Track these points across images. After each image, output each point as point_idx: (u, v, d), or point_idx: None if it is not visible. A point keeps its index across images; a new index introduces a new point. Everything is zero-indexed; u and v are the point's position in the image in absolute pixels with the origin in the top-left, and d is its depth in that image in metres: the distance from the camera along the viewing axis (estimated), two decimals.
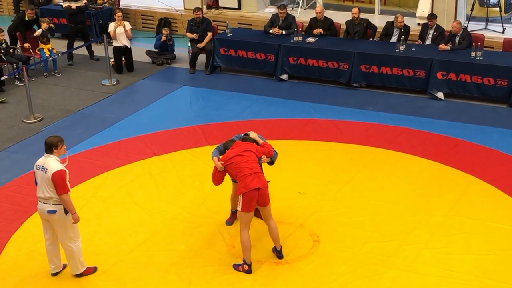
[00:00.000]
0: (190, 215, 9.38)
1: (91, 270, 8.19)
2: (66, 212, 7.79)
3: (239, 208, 7.98)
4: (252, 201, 7.92)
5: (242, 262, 8.12)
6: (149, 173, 10.49)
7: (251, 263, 8.07)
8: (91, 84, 14.31)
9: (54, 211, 7.77)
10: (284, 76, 14.06)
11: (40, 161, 7.85)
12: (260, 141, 8.51)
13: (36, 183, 7.94)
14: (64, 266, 8.22)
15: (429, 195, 9.66)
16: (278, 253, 8.35)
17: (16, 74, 14.24)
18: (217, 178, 8.32)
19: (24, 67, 13.01)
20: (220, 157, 8.31)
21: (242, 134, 8.67)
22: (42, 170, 7.76)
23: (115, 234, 9.05)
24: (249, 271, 8.05)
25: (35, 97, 13.27)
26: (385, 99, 13.02)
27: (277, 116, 12.41)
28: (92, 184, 10.25)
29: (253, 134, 8.55)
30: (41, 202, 7.85)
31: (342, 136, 11.49)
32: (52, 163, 7.72)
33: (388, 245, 8.59)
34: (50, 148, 7.80)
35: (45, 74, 14.76)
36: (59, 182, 7.65)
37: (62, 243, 7.95)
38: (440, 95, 12.84)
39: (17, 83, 14.27)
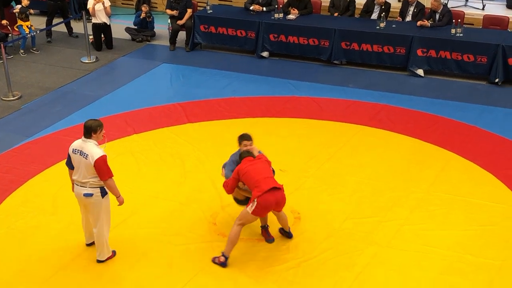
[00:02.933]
0: (171, 194, 9.37)
1: (112, 255, 8.09)
2: (103, 195, 7.67)
3: (249, 210, 7.72)
4: (266, 209, 7.77)
5: (220, 254, 7.99)
6: (129, 151, 10.45)
7: (228, 257, 7.97)
8: (70, 61, 14.20)
9: (91, 194, 7.64)
10: (265, 53, 14.03)
11: (77, 145, 7.64)
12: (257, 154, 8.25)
13: (67, 164, 7.79)
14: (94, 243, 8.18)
15: (409, 171, 9.72)
16: (287, 233, 8.36)
17: None
18: (231, 187, 8.02)
19: (2, 44, 12.86)
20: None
21: (241, 147, 8.26)
22: (80, 155, 7.56)
23: None
24: (224, 264, 7.90)
25: (13, 74, 13.15)
26: (365, 76, 13.04)
27: (258, 93, 12.39)
28: None
29: (254, 150, 8.24)
30: (77, 185, 7.70)
31: (323, 113, 11.50)
32: (92, 148, 7.53)
33: (368, 222, 8.65)
34: (89, 132, 7.60)
35: (21, 51, 14.62)
36: (102, 168, 7.51)
37: (94, 227, 7.84)
38: (420, 72, 12.88)
39: None
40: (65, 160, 7.89)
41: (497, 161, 9.85)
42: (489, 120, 11.08)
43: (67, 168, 7.85)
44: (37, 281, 7.84)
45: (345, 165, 9.94)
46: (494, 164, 9.76)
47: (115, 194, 7.74)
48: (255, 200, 7.64)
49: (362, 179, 9.57)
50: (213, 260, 8.02)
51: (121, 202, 7.81)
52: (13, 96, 12.50)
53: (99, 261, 7.99)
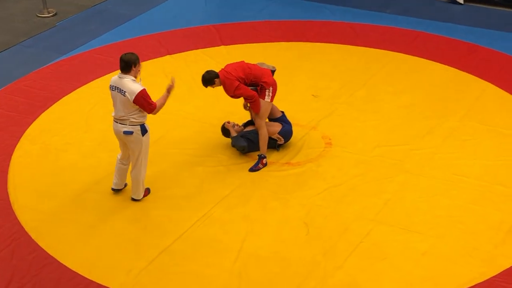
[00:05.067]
0: (203, 115, 9.41)
1: (147, 192, 8.04)
2: (143, 133, 7.54)
3: (268, 99, 8.31)
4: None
5: (261, 156, 8.36)
6: (162, 71, 10.47)
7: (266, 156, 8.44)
8: None
9: (131, 132, 7.50)
10: None
11: (115, 81, 7.44)
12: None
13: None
14: (125, 185, 8.09)
15: (443, 100, 9.62)
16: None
17: None
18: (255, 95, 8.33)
19: None
20: None
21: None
22: (118, 92, 7.38)
23: None
24: (266, 162, 8.40)
25: None
26: (403, 2, 12.77)
27: (293, 17, 12.24)
28: (106, 81, 10.19)
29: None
30: (117, 122, 7.54)
31: (358, 39, 11.35)
32: (129, 84, 7.30)
33: (400, 149, 8.63)
34: (128, 66, 7.35)
35: None
36: (144, 103, 7.34)
37: (132, 165, 7.74)
38: None
39: None
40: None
41: None
42: None
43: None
44: (71, 195, 8.03)
45: (378, 92, 9.86)
46: None
47: (166, 100, 7.67)
48: (270, 87, 8.27)
49: (396, 107, 9.51)
50: (255, 168, 8.30)
51: (172, 87, 7.71)
52: (48, 13, 12.50)
53: (133, 200, 7.92)
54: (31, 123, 9.30)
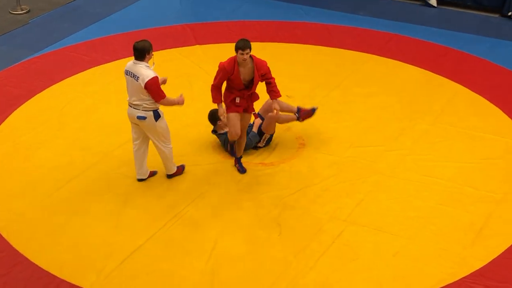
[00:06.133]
0: (178, 115, 9.38)
1: (180, 169, 8.21)
2: (156, 118, 7.66)
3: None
4: None
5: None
6: None
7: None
8: None
9: (144, 117, 7.63)
10: None
11: (130, 67, 7.59)
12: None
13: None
14: (152, 174, 8.19)
15: (416, 102, 9.70)
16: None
17: None
18: None
19: None
20: None
21: None
22: (132, 77, 7.54)
23: (102, 130, 9.09)
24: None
25: None
26: (377, 4, 12.85)
27: (268, 17, 12.26)
28: (79, 79, 10.20)
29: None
30: (131, 107, 7.68)
31: (332, 41, 11.40)
32: (143, 70, 7.48)
33: (373, 150, 8.69)
34: (142, 53, 7.51)
35: None
36: (154, 90, 7.48)
37: (156, 145, 7.90)
38: (433, 1, 12.69)
39: None
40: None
41: (505, 95, 9.80)
42: (500, 54, 10.96)
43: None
44: (42, 194, 7.97)
45: (352, 94, 9.92)
46: (501, 98, 9.72)
47: (174, 105, 7.80)
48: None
49: (369, 108, 9.57)
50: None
51: (182, 103, 7.88)
52: (21, 10, 12.39)
53: (169, 176, 8.16)
54: (2, 122, 9.21)
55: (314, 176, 8.24)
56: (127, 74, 7.62)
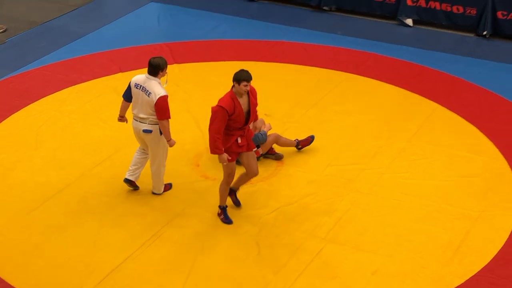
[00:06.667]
0: None
1: (168, 187, 8.23)
2: (161, 132, 7.71)
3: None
4: None
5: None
6: (114, 89, 10.38)
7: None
8: None
9: (150, 131, 7.68)
10: None
11: (141, 81, 7.63)
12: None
13: (124, 96, 7.83)
14: (136, 188, 8.19)
15: (393, 120, 9.76)
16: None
17: None
18: None
19: None
20: None
21: None
22: (143, 91, 7.57)
23: (79, 149, 9.04)
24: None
25: None
26: (354, 23, 12.95)
27: (245, 37, 12.30)
28: (56, 98, 10.15)
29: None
30: (137, 120, 7.73)
31: (310, 60, 11.46)
32: (156, 87, 7.54)
33: (350, 169, 8.72)
34: (155, 70, 7.58)
35: None
36: (163, 108, 7.52)
37: (151, 162, 7.93)
38: (409, 21, 12.81)
39: None
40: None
41: (481, 113, 9.90)
42: (475, 73, 11.08)
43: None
44: (19, 213, 7.90)
45: (330, 112, 9.96)
46: (477, 116, 9.81)
47: (166, 136, 7.72)
48: None
49: (346, 127, 9.61)
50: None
51: (171, 145, 7.81)
52: None
53: (154, 194, 8.14)
54: None
55: (292, 195, 8.25)
56: (136, 87, 7.65)
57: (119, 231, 7.67)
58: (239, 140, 7.43)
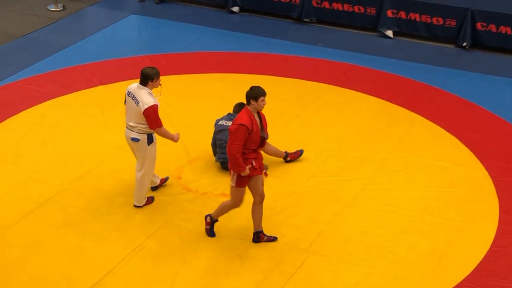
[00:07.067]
0: None
1: (150, 201, 8.21)
2: (149, 143, 7.75)
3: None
4: None
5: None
6: (95, 102, 10.35)
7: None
8: (36, 9, 13.91)
9: (137, 139, 7.74)
10: (235, 9, 13.89)
11: (133, 89, 7.71)
12: None
13: (125, 103, 7.85)
14: (163, 180, 8.40)
15: (374, 132, 9.79)
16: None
17: None
18: None
19: None
20: None
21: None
22: (133, 100, 7.63)
23: (60, 163, 8.98)
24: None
25: None
26: (335, 35, 13.01)
27: (227, 49, 12.31)
28: (36, 111, 10.08)
29: None
30: (127, 128, 7.81)
31: (292, 71, 11.48)
32: (144, 96, 7.58)
33: (332, 180, 8.73)
34: (145, 80, 7.64)
35: None
36: (151, 117, 7.57)
37: (139, 168, 7.94)
38: (390, 33, 12.89)
39: None
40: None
41: (461, 124, 9.96)
42: (456, 84, 11.16)
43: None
44: None
45: (311, 124, 9.98)
46: (458, 127, 9.87)
47: (168, 138, 7.84)
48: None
49: (328, 138, 9.63)
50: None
51: (176, 139, 7.92)
52: None
53: (136, 206, 8.11)
54: None
55: (274, 206, 8.23)
56: (129, 95, 7.72)
57: (101, 245, 7.61)
58: (254, 163, 7.33)
